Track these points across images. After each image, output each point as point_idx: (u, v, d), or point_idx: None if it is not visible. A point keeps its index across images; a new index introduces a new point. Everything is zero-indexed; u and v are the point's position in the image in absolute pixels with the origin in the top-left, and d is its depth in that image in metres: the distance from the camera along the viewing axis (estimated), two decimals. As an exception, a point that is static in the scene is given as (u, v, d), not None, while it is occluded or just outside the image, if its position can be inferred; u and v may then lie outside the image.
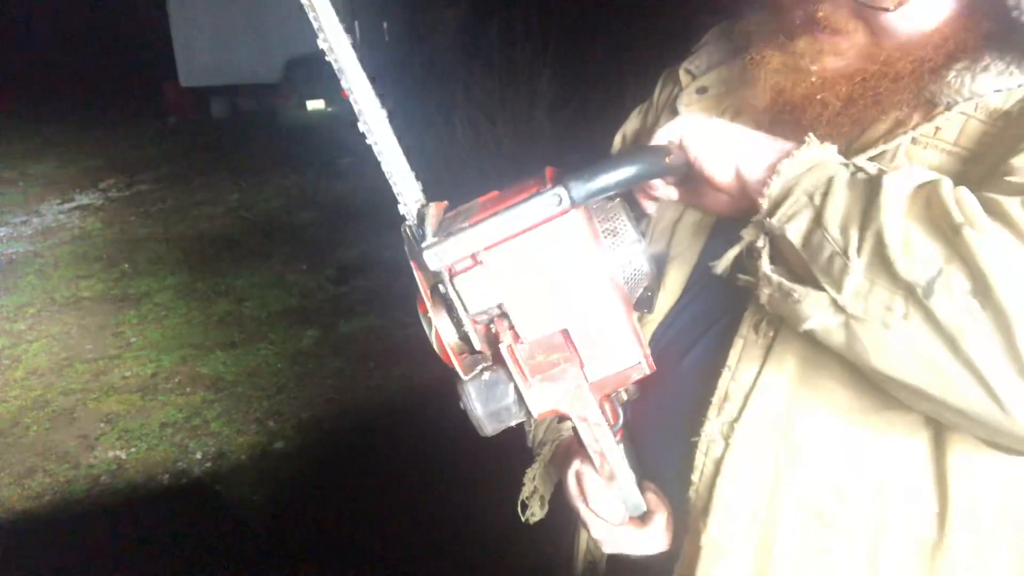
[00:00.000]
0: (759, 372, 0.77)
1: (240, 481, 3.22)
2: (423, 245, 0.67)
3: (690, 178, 0.78)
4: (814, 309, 0.65)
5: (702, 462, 0.80)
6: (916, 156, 0.73)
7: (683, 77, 0.97)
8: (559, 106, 6.18)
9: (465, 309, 0.69)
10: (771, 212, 0.68)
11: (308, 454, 3.37)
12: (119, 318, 4.95)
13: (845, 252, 0.62)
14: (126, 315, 4.99)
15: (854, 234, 0.62)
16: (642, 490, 0.86)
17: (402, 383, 3.88)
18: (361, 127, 0.71)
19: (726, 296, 0.79)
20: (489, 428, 0.73)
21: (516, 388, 0.71)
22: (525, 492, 1.01)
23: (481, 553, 2.57)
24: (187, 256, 6.14)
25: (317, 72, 13.23)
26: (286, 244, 6.28)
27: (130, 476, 3.31)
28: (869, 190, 0.63)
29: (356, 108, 0.72)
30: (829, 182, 0.66)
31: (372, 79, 0.76)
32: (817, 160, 0.69)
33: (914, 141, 0.74)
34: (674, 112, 0.95)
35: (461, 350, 0.73)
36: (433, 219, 0.71)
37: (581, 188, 0.66)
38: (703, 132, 0.76)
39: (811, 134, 0.71)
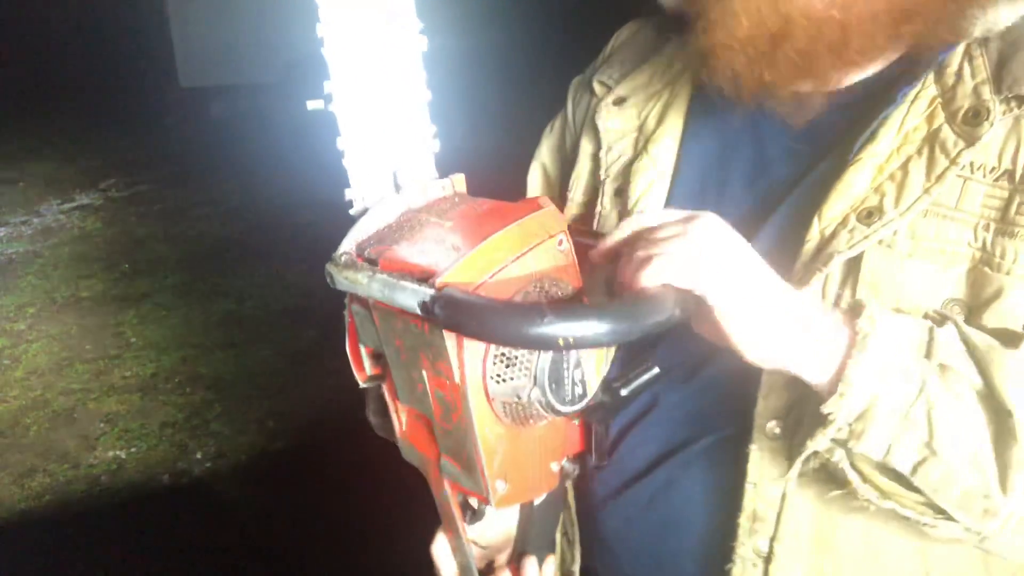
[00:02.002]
0: (786, 483, 0.67)
1: (240, 481, 3.22)
2: (334, 253, 0.64)
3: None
4: (944, 531, 0.59)
5: None
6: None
7: (597, 89, 0.89)
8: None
9: (358, 331, 0.66)
10: (852, 435, 0.58)
11: (308, 454, 3.37)
12: (119, 318, 4.94)
13: (988, 494, 0.55)
14: (126, 315, 4.99)
15: (991, 470, 0.55)
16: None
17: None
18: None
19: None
20: (380, 433, 0.73)
21: None
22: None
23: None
24: (187, 256, 6.14)
25: (317, 72, 13.21)
26: (286, 244, 6.27)
27: (130, 476, 3.31)
28: (987, 406, 0.55)
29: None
30: (922, 391, 0.56)
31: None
32: (890, 346, 0.57)
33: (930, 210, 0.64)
34: (594, 129, 0.86)
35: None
36: (373, 223, 0.66)
37: (447, 313, 0.54)
38: (738, 295, 0.57)
39: (863, 298, 0.60)
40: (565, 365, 0.59)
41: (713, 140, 0.80)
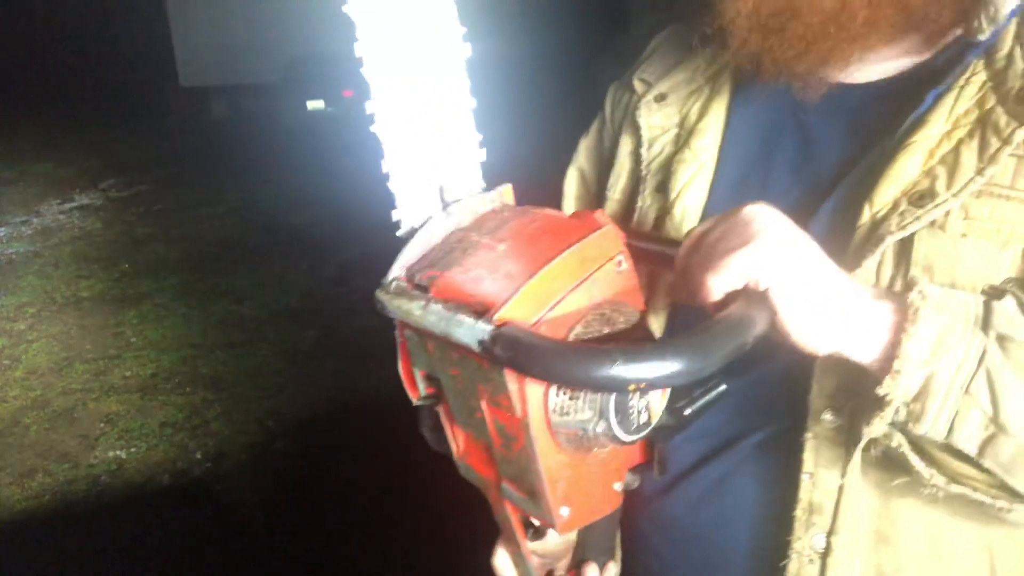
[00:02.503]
0: (844, 472, 0.66)
1: (240, 481, 3.22)
2: (383, 280, 0.61)
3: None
4: (1021, 516, 0.59)
5: None
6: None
7: (638, 86, 0.90)
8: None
9: (411, 354, 0.65)
10: (911, 416, 0.57)
11: (308, 454, 3.37)
12: (119, 318, 4.94)
13: None
14: (126, 315, 4.99)
15: None
16: None
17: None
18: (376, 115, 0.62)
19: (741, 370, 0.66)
20: (436, 448, 0.71)
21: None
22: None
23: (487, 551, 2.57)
24: (187, 256, 6.14)
25: (317, 72, 13.24)
26: (286, 244, 6.27)
27: (130, 476, 3.31)
28: None
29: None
30: (982, 364, 0.55)
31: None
32: (943, 318, 0.56)
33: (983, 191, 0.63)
34: (634, 126, 0.87)
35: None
36: (422, 245, 0.64)
37: (509, 355, 0.51)
38: (797, 282, 0.57)
39: (916, 274, 0.60)
40: (631, 398, 0.58)
41: (755, 133, 0.80)
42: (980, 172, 0.63)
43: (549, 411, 0.57)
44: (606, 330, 0.58)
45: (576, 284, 0.58)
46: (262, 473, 3.26)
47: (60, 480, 3.29)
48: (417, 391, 0.69)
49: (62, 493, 3.21)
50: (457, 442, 0.68)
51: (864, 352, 0.59)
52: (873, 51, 0.71)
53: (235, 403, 3.83)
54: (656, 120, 0.86)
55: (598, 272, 0.59)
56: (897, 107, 0.70)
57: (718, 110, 0.82)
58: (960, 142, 0.65)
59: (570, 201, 1.01)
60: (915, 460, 0.60)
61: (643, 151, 0.86)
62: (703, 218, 0.78)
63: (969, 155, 0.64)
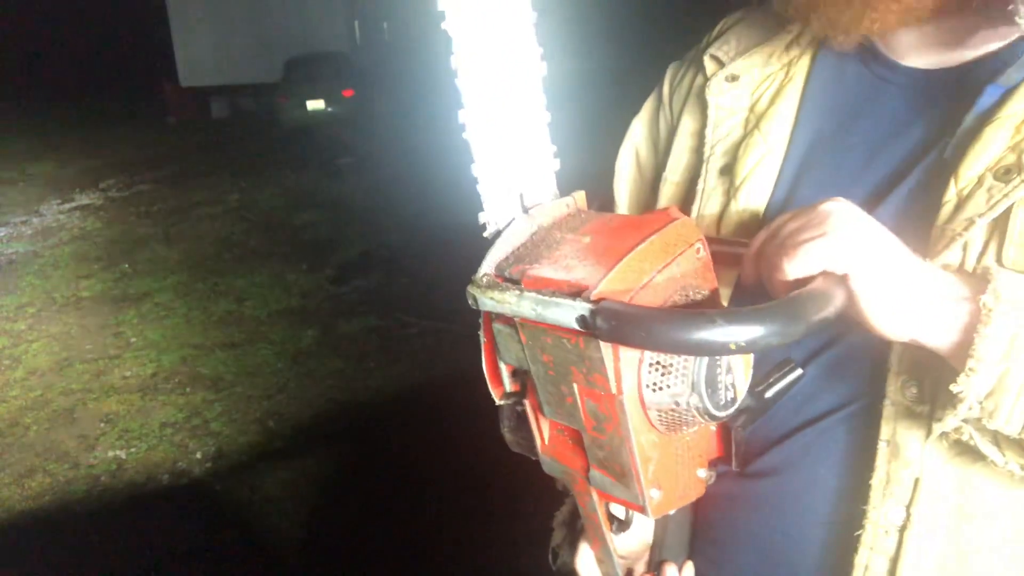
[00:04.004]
0: (924, 442, 0.65)
1: (240, 481, 3.22)
2: (473, 277, 0.63)
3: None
4: None
5: (867, 558, 0.68)
6: None
7: (709, 64, 0.87)
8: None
9: (498, 349, 0.67)
10: (984, 413, 0.57)
11: (308, 454, 3.37)
12: (119, 318, 4.95)
13: None
14: (126, 315, 4.99)
15: None
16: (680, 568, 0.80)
17: (402, 383, 3.88)
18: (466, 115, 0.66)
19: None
20: (514, 449, 0.72)
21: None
22: (555, 539, 0.93)
23: (489, 552, 2.57)
24: (187, 256, 6.15)
25: (317, 72, 13.25)
26: (286, 244, 6.28)
27: (130, 476, 3.31)
28: None
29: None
30: None
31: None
32: (1017, 318, 0.56)
33: None
34: (701, 105, 0.86)
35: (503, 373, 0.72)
36: (507, 244, 0.66)
37: (611, 325, 0.54)
38: (875, 273, 0.58)
39: (991, 266, 0.60)
40: (719, 371, 0.59)
41: (829, 119, 0.80)
42: None
43: (642, 387, 0.59)
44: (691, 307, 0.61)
45: (662, 266, 0.60)
46: (262, 473, 3.26)
47: (60, 480, 3.30)
48: (501, 389, 0.71)
49: (62, 493, 3.21)
50: (542, 435, 0.70)
51: (939, 343, 0.60)
52: (956, 30, 0.71)
53: (235, 403, 3.83)
54: (726, 101, 0.85)
55: (680, 257, 0.62)
56: (977, 92, 0.69)
57: (791, 96, 0.81)
58: None
59: (622, 183, 1.00)
60: (988, 450, 0.61)
61: (708, 132, 0.85)
62: (770, 202, 0.78)
63: None
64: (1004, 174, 0.64)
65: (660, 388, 0.58)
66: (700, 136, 0.86)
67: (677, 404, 0.58)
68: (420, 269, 5.25)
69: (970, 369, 0.56)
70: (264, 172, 8.84)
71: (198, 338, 4.60)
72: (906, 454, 0.66)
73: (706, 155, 0.84)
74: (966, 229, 0.64)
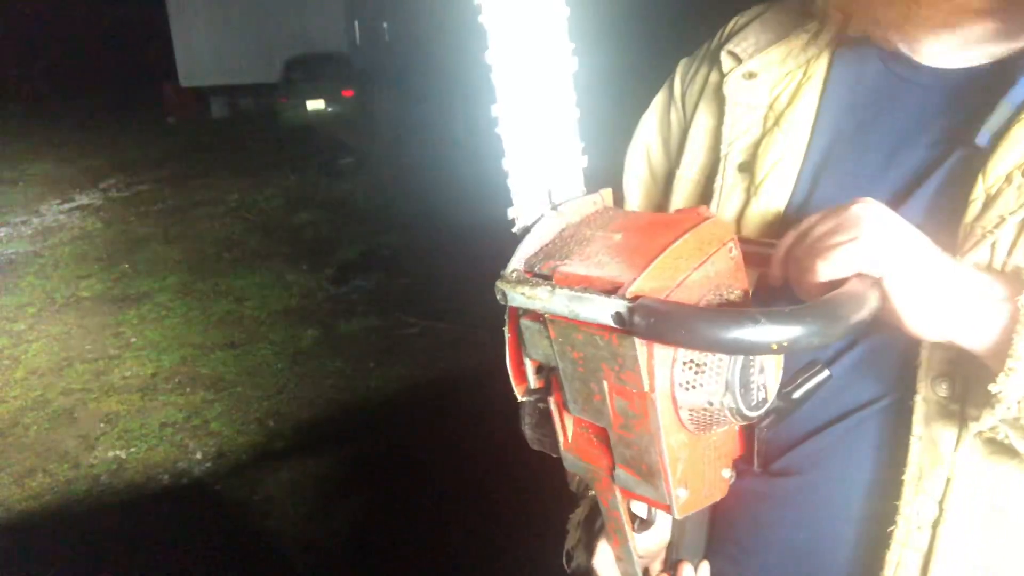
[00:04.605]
0: (958, 439, 0.65)
1: (240, 481, 3.22)
2: (502, 272, 0.63)
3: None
4: None
5: (899, 555, 0.68)
6: None
7: (726, 60, 0.86)
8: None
9: (524, 345, 0.66)
10: (1022, 413, 0.58)
11: (308, 454, 3.37)
12: (119, 318, 4.95)
13: None
14: (126, 315, 4.99)
15: None
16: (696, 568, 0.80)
17: (402, 383, 3.88)
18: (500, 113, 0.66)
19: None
20: (534, 446, 0.72)
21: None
22: (570, 541, 0.92)
23: (492, 551, 2.57)
24: (187, 256, 6.15)
25: (317, 72, 13.26)
26: (286, 244, 6.28)
27: (130, 476, 3.31)
28: None
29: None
30: None
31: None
32: None
33: None
34: (718, 102, 0.85)
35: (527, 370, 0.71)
36: (537, 240, 0.66)
37: (649, 322, 0.53)
38: (909, 275, 0.58)
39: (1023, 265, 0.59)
40: (752, 371, 0.59)
41: (850, 117, 0.79)
42: None
43: (675, 386, 0.59)
44: (726, 305, 0.61)
45: (697, 265, 0.60)
46: (262, 473, 3.26)
47: (60, 480, 3.29)
48: (524, 385, 0.70)
49: (62, 493, 3.21)
50: (566, 433, 0.69)
51: (976, 344, 0.60)
52: (978, 30, 0.71)
53: (235, 403, 3.83)
54: (744, 97, 0.84)
55: (714, 256, 0.62)
56: (1001, 90, 0.69)
57: (811, 93, 0.81)
58: None
59: (633, 180, 0.99)
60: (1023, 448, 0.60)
61: (726, 129, 0.84)
62: (791, 201, 0.78)
63: None
64: None
65: (693, 387, 0.58)
66: (717, 133, 0.85)
67: (710, 404, 0.58)
68: (420, 269, 5.25)
69: (1009, 369, 0.56)
70: (264, 172, 8.84)
71: (198, 338, 4.60)
72: (939, 450, 0.66)
73: (724, 152, 0.83)
74: (996, 227, 0.63)
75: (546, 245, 0.66)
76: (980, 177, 0.66)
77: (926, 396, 0.66)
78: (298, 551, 2.78)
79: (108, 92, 12.08)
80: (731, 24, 0.92)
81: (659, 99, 0.98)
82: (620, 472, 0.65)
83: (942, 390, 0.65)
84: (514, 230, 0.68)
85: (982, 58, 0.72)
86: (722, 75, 0.86)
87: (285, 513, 2.99)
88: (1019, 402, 0.57)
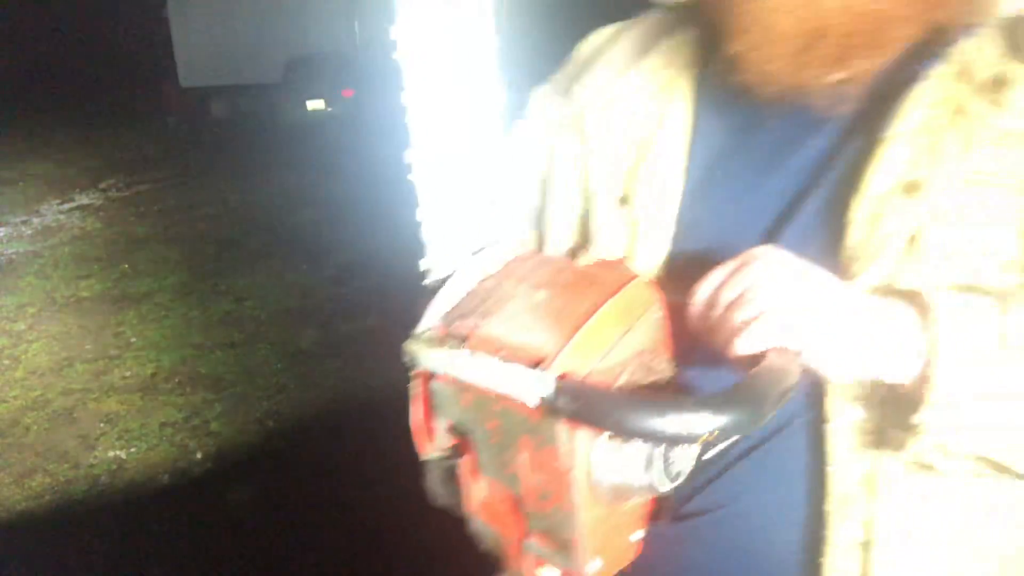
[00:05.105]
0: (874, 462, 0.66)
1: (240, 481, 3.22)
2: (415, 331, 0.59)
3: None
4: None
5: None
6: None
7: (586, 89, 0.84)
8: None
9: (434, 405, 0.63)
10: (945, 435, 0.60)
11: (308, 455, 3.37)
12: (119, 318, 4.95)
13: None
14: (126, 315, 4.99)
15: None
16: None
17: (402, 383, 3.88)
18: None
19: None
20: (440, 504, 0.69)
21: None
22: None
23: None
24: (187, 256, 6.15)
25: (317, 72, 13.25)
26: (286, 244, 6.28)
27: (130, 476, 3.31)
28: None
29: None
30: (1007, 382, 0.58)
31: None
32: (967, 346, 0.59)
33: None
34: (582, 133, 0.82)
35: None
36: (453, 295, 0.62)
37: (575, 408, 0.52)
38: (825, 337, 0.59)
39: (925, 293, 0.61)
40: (675, 448, 0.59)
41: (723, 139, 0.77)
42: (964, 161, 0.65)
43: (595, 464, 0.57)
44: (649, 379, 0.60)
45: (623, 333, 0.59)
46: (262, 473, 3.26)
47: (60, 480, 3.29)
48: (433, 444, 0.67)
49: (62, 493, 3.21)
50: (475, 496, 0.66)
51: (897, 377, 0.61)
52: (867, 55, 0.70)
53: (235, 403, 3.83)
54: (609, 127, 0.81)
55: (639, 322, 0.61)
56: (871, 104, 0.70)
57: (679, 117, 0.79)
58: (941, 132, 0.66)
59: (510, 221, 0.94)
60: (944, 465, 0.62)
61: (595, 161, 0.81)
62: (676, 232, 0.76)
63: (951, 144, 0.65)
64: (908, 192, 0.65)
65: (614, 466, 0.57)
66: (586, 166, 0.82)
67: (629, 481, 0.57)
68: (420, 269, 5.23)
69: (929, 403, 0.58)
70: (264, 172, 8.84)
71: (198, 338, 4.60)
72: (860, 473, 0.66)
73: (596, 186, 0.80)
74: (881, 249, 0.65)
75: (463, 301, 0.63)
76: (859, 197, 0.66)
77: (838, 424, 0.66)
78: (299, 551, 2.78)
79: (108, 92, 12.07)
80: (585, 50, 0.89)
81: (519, 132, 0.94)
82: (532, 542, 0.63)
83: (856, 416, 0.66)
84: (427, 282, 0.64)
85: (850, 76, 0.71)
86: (581, 105, 0.83)
87: (285, 514, 2.99)
88: (943, 431, 0.59)
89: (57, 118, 11.66)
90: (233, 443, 3.49)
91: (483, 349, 0.57)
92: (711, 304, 0.62)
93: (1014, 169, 0.64)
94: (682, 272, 0.70)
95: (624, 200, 0.78)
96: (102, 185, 8.66)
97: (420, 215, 0.64)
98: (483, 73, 0.63)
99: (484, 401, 0.59)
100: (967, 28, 0.68)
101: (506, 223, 0.88)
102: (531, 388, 0.53)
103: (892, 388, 0.61)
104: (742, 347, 0.59)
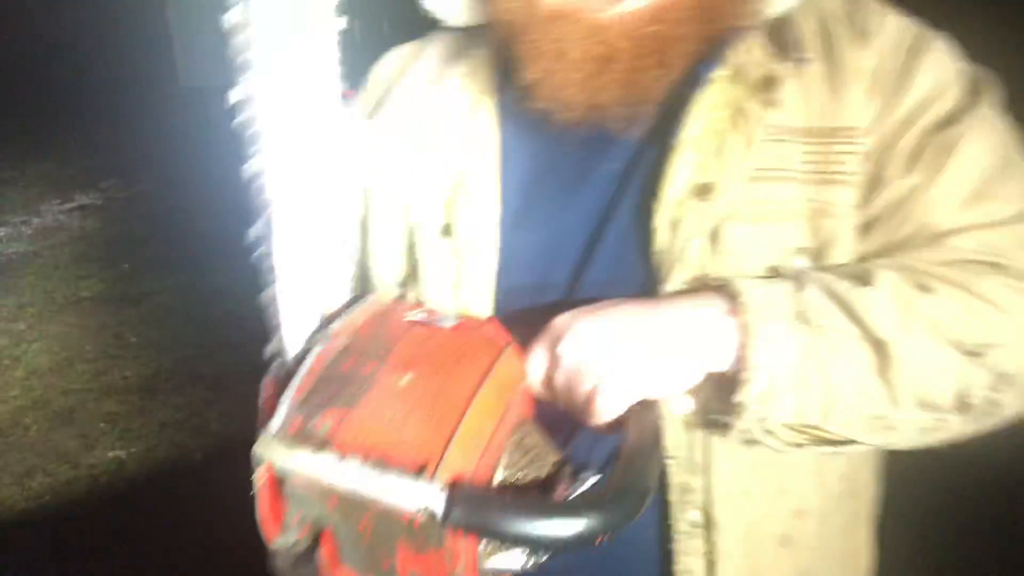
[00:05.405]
0: (710, 444, 0.72)
1: (240, 481, 3.21)
2: (268, 428, 0.53)
3: None
4: (852, 448, 0.69)
5: (684, 564, 0.75)
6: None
7: (387, 120, 0.85)
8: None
9: (289, 501, 0.57)
10: (762, 412, 0.65)
11: (308, 454, 3.37)
12: (119, 318, 4.94)
13: (884, 415, 0.65)
14: (126, 315, 4.99)
15: (882, 394, 0.64)
16: None
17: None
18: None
19: None
20: None
21: None
22: None
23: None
24: (187, 256, 6.14)
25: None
26: (286, 244, 6.27)
27: (130, 476, 3.31)
28: (865, 344, 0.64)
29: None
30: (810, 355, 0.63)
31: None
32: (774, 327, 0.64)
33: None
34: (390, 168, 0.82)
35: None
36: (305, 382, 0.55)
37: (468, 519, 0.50)
38: (661, 381, 0.64)
39: (735, 281, 0.66)
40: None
41: (531, 164, 0.80)
42: (747, 159, 0.71)
43: (480, 558, 0.56)
44: (525, 459, 0.58)
45: (499, 419, 0.57)
46: (262, 473, 3.26)
47: (60, 480, 3.29)
48: (281, 534, 0.61)
49: (62, 493, 3.21)
50: None
51: (721, 367, 0.66)
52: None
53: (235, 403, 3.83)
54: (417, 161, 0.82)
55: (513, 401, 0.59)
56: (662, 118, 0.74)
57: (490, 144, 0.80)
58: (724, 134, 0.72)
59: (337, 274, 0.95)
60: (768, 440, 0.67)
61: (410, 194, 0.82)
62: (501, 260, 0.77)
63: (734, 144, 0.71)
64: (701, 194, 0.71)
65: (498, 558, 0.56)
66: (399, 199, 0.83)
67: (510, 567, 0.56)
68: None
69: (746, 382, 0.63)
70: (264, 172, 8.83)
71: (198, 338, 4.59)
72: (694, 460, 0.73)
73: (417, 217, 0.81)
74: (683, 250, 0.71)
75: (319, 384, 0.56)
76: (658, 204, 0.72)
77: (672, 415, 0.71)
78: (298, 551, 2.78)
79: (108, 92, 12.07)
80: (383, 73, 0.90)
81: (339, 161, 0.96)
82: None
83: (688, 405, 0.70)
84: (275, 368, 0.58)
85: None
86: (388, 136, 0.84)
87: (285, 513, 2.99)
88: (759, 404, 0.64)
89: (57, 118, 11.66)
90: (233, 443, 3.49)
91: (351, 450, 0.52)
92: (549, 388, 0.66)
93: (792, 162, 0.71)
94: (515, 302, 0.76)
95: (446, 231, 0.79)
96: (102, 185, 8.66)
97: (270, 295, 0.60)
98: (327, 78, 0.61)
99: (354, 506, 0.54)
100: (737, 32, 0.73)
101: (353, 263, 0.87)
102: (416, 499, 0.50)
103: (714, 375, 0.67)
104: (599, 420, 0.63)
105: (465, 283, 0.77)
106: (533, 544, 0.53)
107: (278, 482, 0.58)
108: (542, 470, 0.59)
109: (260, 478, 0.59)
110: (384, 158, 0.85)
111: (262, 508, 0.61)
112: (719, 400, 0.67)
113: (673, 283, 0.71)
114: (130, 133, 11.21)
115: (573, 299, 0.72)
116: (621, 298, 0.69)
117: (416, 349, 0.60)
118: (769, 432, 0.66)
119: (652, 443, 0.58)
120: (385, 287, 0.84)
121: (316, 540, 0.59)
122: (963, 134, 0.70)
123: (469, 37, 0.85)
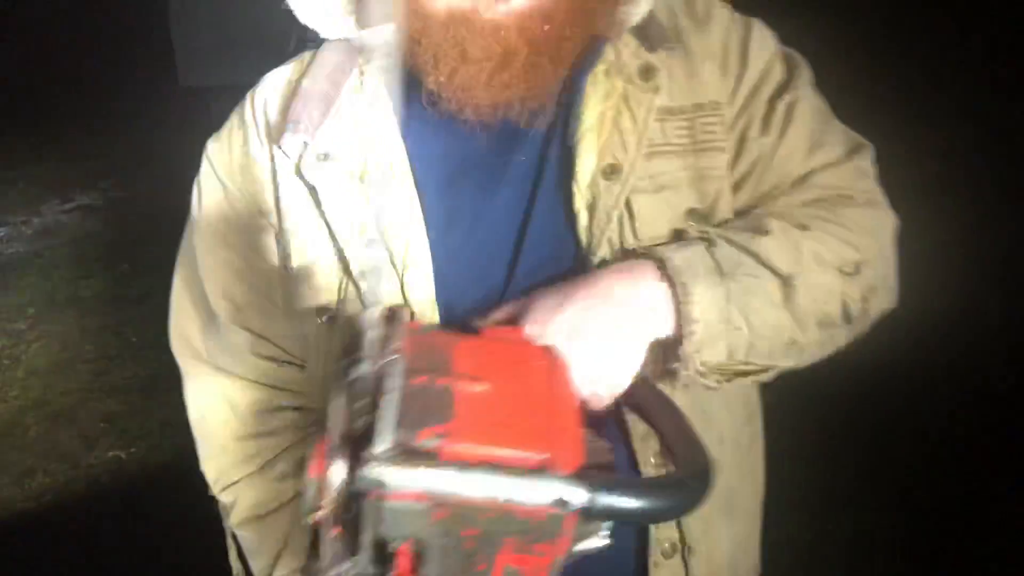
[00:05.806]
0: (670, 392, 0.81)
1: (240, 481, 3.22)
2: (373, 451, 0.52)
3: None
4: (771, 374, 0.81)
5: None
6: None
7: (289, 145, 0.85)
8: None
9: (376, 527, 0.54)
10: (701, 357, 0.74)
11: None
12: (119, 318, 4.94)
13: (795, 340, 0.77)
14: (126, 315, 4.99)
15: (790, 321, 0.76)
16: None
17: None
18: None
19: None
20: None
21: None
22: None
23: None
24: (187, 256, 6.14)
25: (317, 72, 13.24)
26: (286, 244, 6.27)
27: (130, 476, 3.31)
28: (774, 283, 0.75)
29: None
30: (732, 302, 0.73)
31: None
32: (700, 285, 0.72)
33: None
34: (301, 185, 0.83)
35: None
36: (391, 406, 0.53)
37: (606, 503, 0.53)
38: (618, 353, 0.72)
39: (660, 251, 0.76)
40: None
41: (443, 166, 0.84)
42: (639, 139, 0.80)
43: (575, 541, 0.58)
44: (594, 447, 0.61)
45: (576, 407, 0.62)
46: (262, 473, 3.26)
47: (60, 480, 3.29)
48: (348, 559, 0.57)
49: (62, 493, 3.21)
50: None
51: (665, 331, 0.74)
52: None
53: (235, 403, 3.82)
54: (330, 177, 0.82)
55: (569, 389, 0.65)
56: (561, 109, 0.82)
57: (394, 151, 0.82)
58: (617, 118, 0.81)
59: (238, 308, 1.02)
60: (703, 381, 0.75)
61: (330, 212, 0.82)
62: (436, 268, 0.81)
63: (626, 127, 0.81)
64: (609, 175, 0.79)
65: (584, 543, 0.58)
66: (320, 217, 0.83)
67: (589, 551, 0.58)
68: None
69: (689, 333, 0.72)
70: (264, 172, 8.83)
71: (198, 338, 4.59)
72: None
73: (342, 235, 0.82)
74: (604, 226, 0.79)
75: (404, 407, 0.56)
76: (576, 188, 0.80)
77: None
78: (298, 551, 2.78)
79: (108, 92, 12.08)
80: (268, 97, 0.92)
81: (205, 198, 1.02)
82: None
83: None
84: (357, 391, 0.55)
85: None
86: (292, 158, 0.84)
87: (285, 513, 2.99)
88: (698, 352, 0.73)
89: (57, 118, 11.66)
90: (233, 443, 3.49)
91: (467, 460, 0.54)
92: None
93: (673, 137, 0.82)
94: (457, 300, 0.82)
95: (375, 244, 0.82)
96: (102, 185, 8.65)
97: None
98: None
99: (467, 512, 0.54)
100: (613, 32, 0.82)
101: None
102: (549, 494, 0.52)
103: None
104: (605, 404, 0.72)
105: (409, 293, 0.81)
106: (651, 520, 0.61)
107: (358, 511, 0.55)
108: (602, 456, 0.62)
109: (326, 508, 0.56)
110: (300, 180, 0.85)
111: (330, 539, 0.57)
112: (666, 355, 0.75)
113: (600, 256, 0.80)
114: (130, 133, 11.21)
115: (530, 288, 0.79)
116: (559, 277, 0.77)
117: (473, 360, 0.62)
118: (703, 374, 0.75)
119: (682, 416, 0.65)
120: (321, 308, 0.86)
121: (388, 559, 0.57)
122: (797, 98, 0.84)
123: (353, 50, 0.87)
